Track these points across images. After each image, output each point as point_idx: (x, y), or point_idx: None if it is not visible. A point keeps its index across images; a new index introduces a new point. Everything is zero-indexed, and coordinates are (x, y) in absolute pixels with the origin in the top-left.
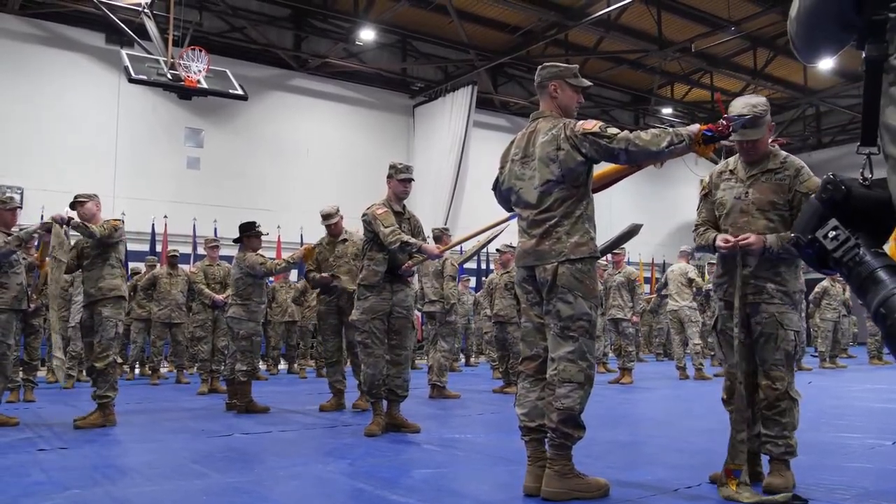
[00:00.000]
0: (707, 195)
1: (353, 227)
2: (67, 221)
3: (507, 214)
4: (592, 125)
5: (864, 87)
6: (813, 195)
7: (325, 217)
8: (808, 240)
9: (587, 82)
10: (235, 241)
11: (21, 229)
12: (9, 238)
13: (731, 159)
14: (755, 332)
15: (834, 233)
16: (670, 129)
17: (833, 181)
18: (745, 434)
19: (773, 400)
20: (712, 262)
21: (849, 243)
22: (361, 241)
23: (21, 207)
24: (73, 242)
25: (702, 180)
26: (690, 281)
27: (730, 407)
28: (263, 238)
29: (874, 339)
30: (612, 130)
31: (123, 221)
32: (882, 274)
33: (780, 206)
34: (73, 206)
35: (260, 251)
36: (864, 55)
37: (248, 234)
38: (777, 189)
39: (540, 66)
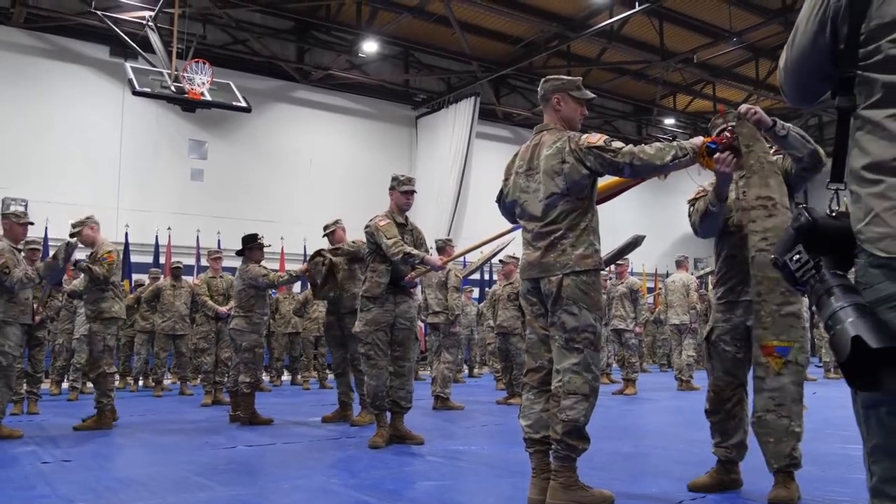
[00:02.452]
0: (699, 199)
1: (358, 237)
2: (74, 263)
3: (509, 226)
4: (597, 139)
5: (836, 131)
6: (788, 224)
7: (323, 229)
8: (782, 262)
9: (591, 94)
10: (238, 253)
11: (27, 244)
12: (31, 273)
13: None
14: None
15: (797, 256)
16: (674, 143)
17: (802, 212)
18: None
19: None
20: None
21: (808, 265)
22: (350, 251)
23: (33, 223)
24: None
25: (702, 186)
26: (687, 293)
27: (713, 417)
28: (266, 249)
29: None
30: (617, 144)
31: (118, 253)
32: (836, 291)
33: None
34: (72, 234)
35: (263, 263)
36: (836, 104)
37: (251, 246)
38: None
39: (543, 80)
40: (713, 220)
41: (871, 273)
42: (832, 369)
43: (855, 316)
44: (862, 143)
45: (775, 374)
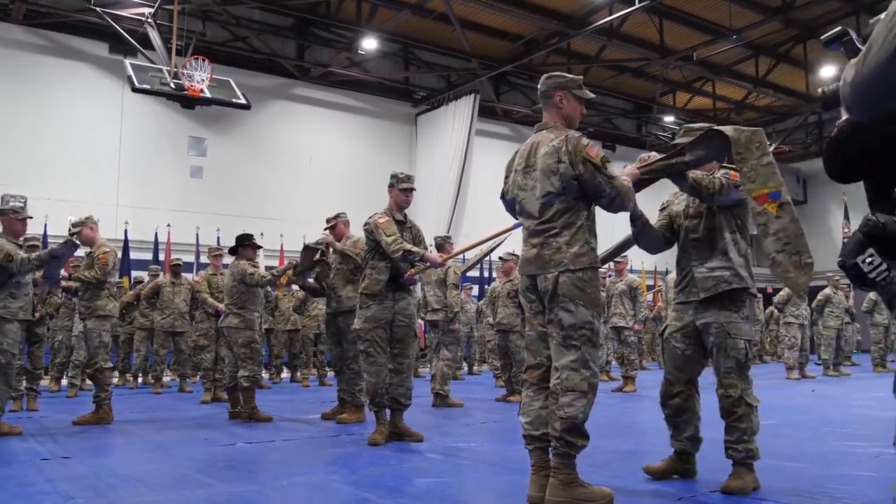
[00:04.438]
0: (665, 208)
1: (358, 234)
2: (68, 279)
3: (511, 223)
4: (595, 153)
5: None
6: (857, 229)
7: (326, 221)
8: (851, 264)
9: (591, 94)
10: (231, 251)
11: (26, 241)
12: (32, 257)
13: None
14: (708, 344)
15: (870, 259)
16: (628, 184)
17: (872, 219)
18: None
19: (728, 407)
20: None
21: (881, 267)
22: (352, 257)
23: (31, 217)
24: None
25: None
26: None
27: (665, 410)
28: (266, 247)
29: (878, 347)
30: (611, 172)
31: (115, 253)
32: None
33: None
34: (72, 234)
35: (263, 260)
36: None
37: (245, 244)
38: None
39: (545, 76)
40: (642, 236)
41: None
42: (831, 367)
43: None
44: None
45: (775, 218)
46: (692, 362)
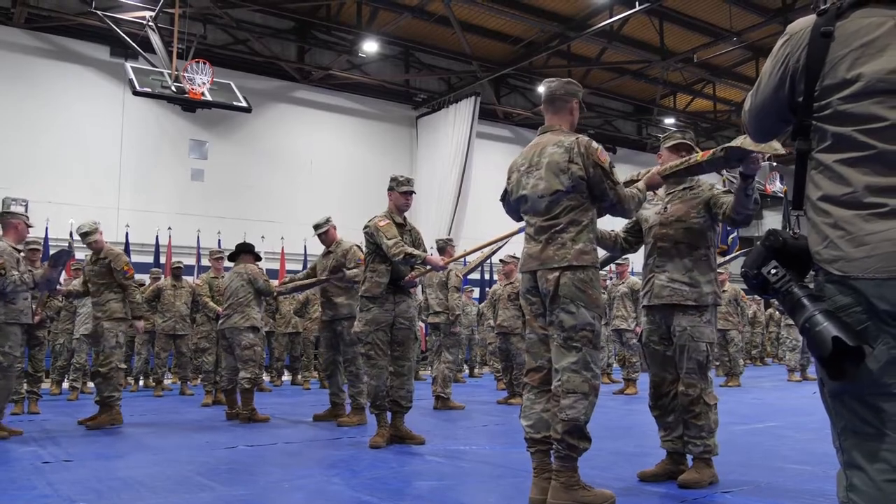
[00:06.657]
0: None
1: (356, 238)
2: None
3: (514, 225)
4: (605, 159)
5: (795, 168)
6: (759, 242)
7: (315, 228)
8: (755, 273)
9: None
10: (230, 257)
11: (27, 245)
12: (27, 277)
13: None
14: (674, 345)
15: (774, 270)
16: (637, 192)
17: (774, 234)
18: None
19: (687, 404)
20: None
21: (785, 278)
22: (344, 252)
23: (32, 225)
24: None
25: None
26: None
27: (655, 412)
28: (267, 249)
29: None
30: (616, 178)
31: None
32: (806, 301)
33: (693, 215)
34: (81, 237)
35: (259, 265)
36: (795, 147)
37: (248, 251)
38: (691, 202)
39: (561, 80)
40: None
41: (827, 288)
42: None
43: (827, 320)
44: (816, 180)
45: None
46: (673, 361)
